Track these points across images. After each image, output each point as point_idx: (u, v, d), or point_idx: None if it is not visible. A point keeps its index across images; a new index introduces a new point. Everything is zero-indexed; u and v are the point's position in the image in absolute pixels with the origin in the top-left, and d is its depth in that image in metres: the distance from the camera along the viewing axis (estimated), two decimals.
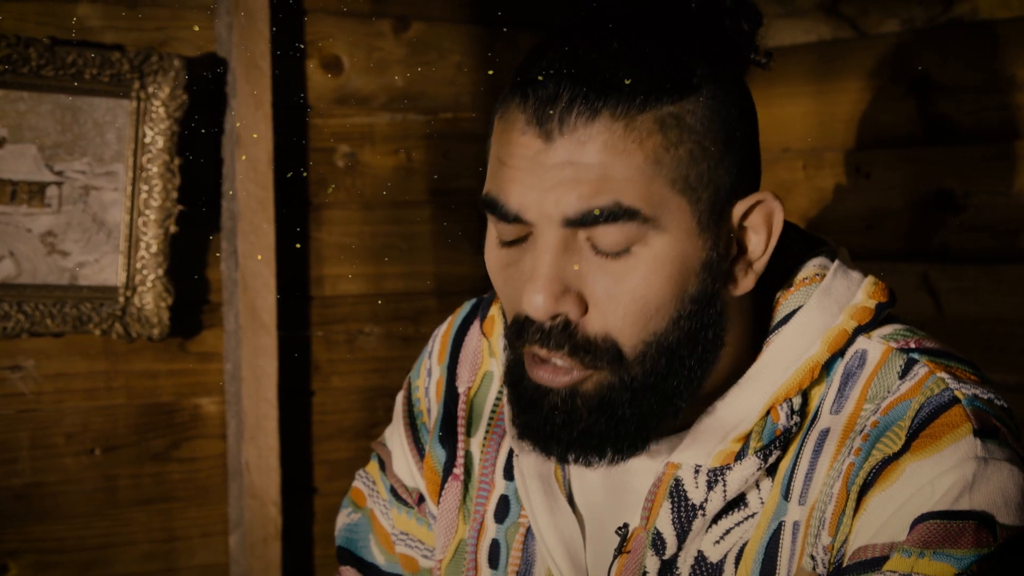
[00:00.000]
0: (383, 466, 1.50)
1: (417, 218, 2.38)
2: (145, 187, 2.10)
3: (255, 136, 2.18)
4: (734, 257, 1.20)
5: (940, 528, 1.09)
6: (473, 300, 1.49)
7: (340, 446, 2.34)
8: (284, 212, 2.24)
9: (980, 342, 2.07)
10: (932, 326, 2.10)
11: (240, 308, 2.18)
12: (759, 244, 1.20)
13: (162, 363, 2.18)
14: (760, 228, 1.20)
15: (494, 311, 1.42)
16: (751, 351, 1.24)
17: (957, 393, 1.15)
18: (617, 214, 1.13)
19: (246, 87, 2.17)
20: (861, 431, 1.16)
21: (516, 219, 1.17)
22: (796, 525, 1.17)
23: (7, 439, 2.08)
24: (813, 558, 1.16)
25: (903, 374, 1.18)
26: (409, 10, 2.35)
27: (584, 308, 1.16)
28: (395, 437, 1.49)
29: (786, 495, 1.18)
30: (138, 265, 2.10)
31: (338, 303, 2.33)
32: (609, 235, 1.14)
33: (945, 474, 1.10)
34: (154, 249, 2.10)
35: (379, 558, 1.50)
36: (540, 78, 1.15)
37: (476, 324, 1.45)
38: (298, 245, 2.29)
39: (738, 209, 1.19)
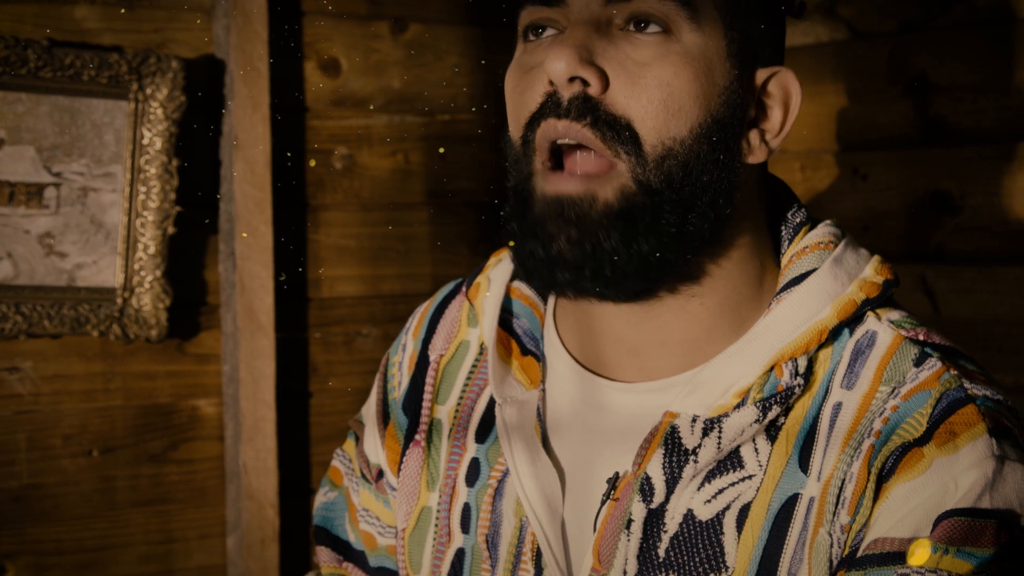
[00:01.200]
0: (358, 443, 1.49)
1: (414, 220, 2.38)
2: (143, 188, 2.10)
3: (253, 138, 2.18)
4: (752, 120, 1.20)
5: (964, 526, 1.10)
6: (457, 280, 1.49)
7: (338, 448, 2.33)
8: (281, 214, 2.24)
9: (977, 343, 2.07)
10: None
11: (238, 310, 2.18)
12: (776, 118, 1.21)
13: (160, 365, 2.18)
14: (778, 102, 1.21)
15: (480, 279, 1.40)
16: (759, 304, 1.24)
17: (971, 392, 1.16)
18: None
19: (244, 89, 2.17)
20: (881, 413, 1.16)
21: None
22: (812, 500, 1.17)
23: (5, 440, 2.08)
24: (830, 535, 1.16)
25: (918, 363, 1.19)
26: (407, 12, 2.35)
27: (606, 86, 1.15)
28: (368, 413, 1.48)
29: (804, 468, 1.18)
30: (136, 266, 2.10)
31: (336, 305, 2.33)
32: (646, 8, 1.14)
33: (967, 471, 1.12)
34: (152, 251, 2.10)
35: (351, 535, 1.49)
36: None
37: (460, 295, 1.44)
38: (292, 247, 2.29)
39: (761, 74, 1.20)
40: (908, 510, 1.12)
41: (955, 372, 1.17)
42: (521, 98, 1.20)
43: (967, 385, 1.17)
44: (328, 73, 2.30)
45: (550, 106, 1.15)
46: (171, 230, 2.11)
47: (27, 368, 2.09)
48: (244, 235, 2.17)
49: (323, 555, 1.50)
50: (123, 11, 2.11)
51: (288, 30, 2.25)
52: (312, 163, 2.28)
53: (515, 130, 1.21)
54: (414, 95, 2.36)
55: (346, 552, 1.49)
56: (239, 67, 2.17)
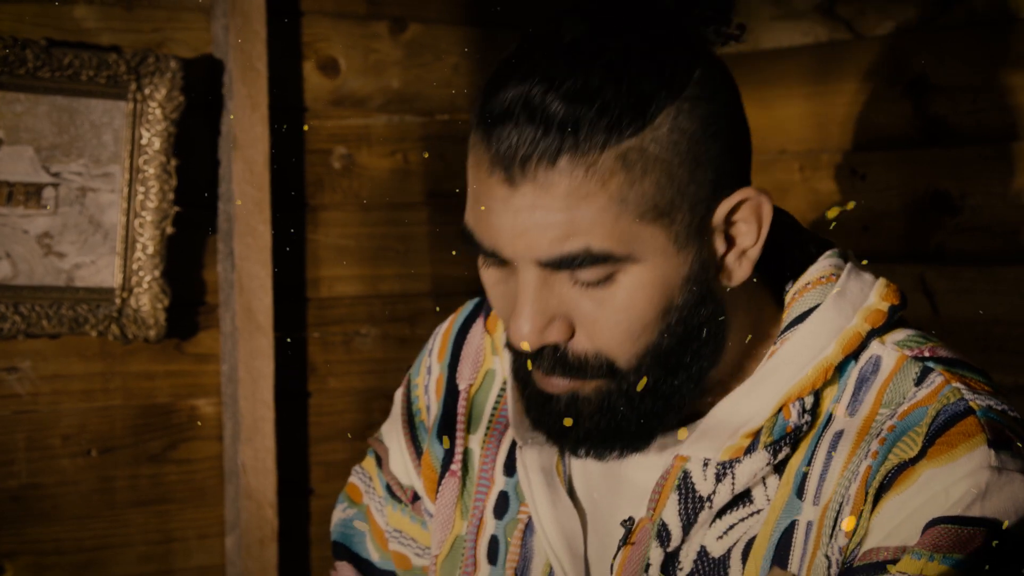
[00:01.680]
0: (380, 463, 1.50)
1: (414, 220, 2.38)
2: (142, 188, 2.10)
3: (251, 138, 2.18)
4: (724, 252, 1.19)
5: (951, 533, 1.09)
6: (476, 299, 1.49)
7: (337, 447, 2.34)
8: (280, 214, 2.24)
9: (976, 343, 2.07)
10: (928, 327, 2.10)
11: (236, 310, 2.18)
12: (750, 235, 1.20)
13: (159, 364, 2.18)
14: (750, 220, 1.19)
15: None
16: (763, 342, 1.25)
17: (972, 404, 1.15)
18: (588, 259, 1.13)
19: (242, 89, 2.17)
20: (878, 435, 1.16)
21: (494, 254, 1.17)
22: (810, 525, 1.18)
23: (3, 440, 2.08)
24: (828, 558, 1.16)
25: (919, 381, 1.19)
26: (406, 12, 2.35)
27: (571, 331, 1.17)
28: (392, 434, 1.50)
29: (800, 494, 1.19)
30: (135, 267, 2.10)
31: (334, 305, 2.33)
32: (586, 273, 1.14)
33: (959, 482, 1.11)
34: (151, 251, 2.10)
35: (373, 555, 1.51)
36: (498, 120, 1.14)
37: (479, 322, 1.45)
38: (288, 248, 2.29)
39: (722, 209, 1.18)
40: (899, 521, 1.12)
41: (957, 384, 1.17)
42: (500, 302, 1.22)
43: (969, 396, 1.16)
44: (327, 73, 2.30)
45: (526, 355, 1.19)
46: (170, 230, 2.11)
47: (26, 368, 2.09)
48: (247, 238, 2.18)
49: (344, 571, 1.52)
50: (121, 12, 2.11)
51: (287, 30, 2.25)
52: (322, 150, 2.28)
53: (501, 318, 1.24)
54: (413, 95, 2.36)
55: (368, 570, 1.51)
56: (238, 67, 2.16)
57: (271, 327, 2.20)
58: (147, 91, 2.07)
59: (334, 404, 2.33)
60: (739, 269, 1.21)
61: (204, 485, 2.23)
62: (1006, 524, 1.10)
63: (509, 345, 1.23)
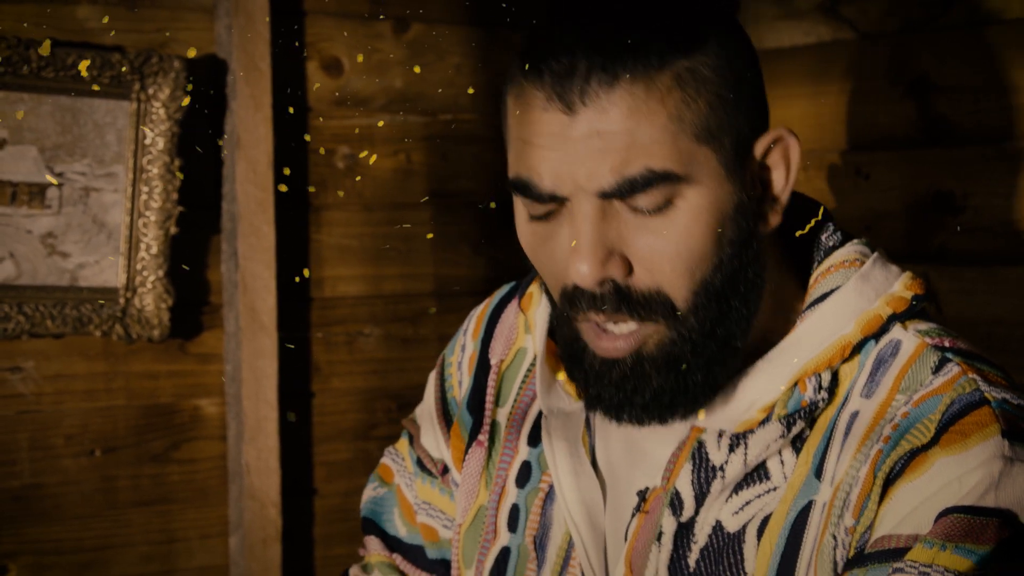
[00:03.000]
0: (412, 440, 1.53)
1: (416, 219, 2.38)
2: (145, 188, 2.10)
3: (255, 138, 2.18)
4: (760, 195, 1.23)
5: (964, 523, 1.10)
6: (511, 283, 1.52)
7: (340, 447, 2.34)
8: (284, 214, 2.24)
9: (979, 343, 2.06)
10: None
11: (240, 310, 2.18)
12: (780, 178, 1.23)
13: (162, 364, 2.18)
14: (779, 164, 1.23)
15: (532, 288, 1.44)
16: (786, 323, 1.26)
17: (987, 395, 1.16)
18: (651, 180, 1.15)
19: (246, 89, 2.17)
20: (891, 420, 1.17)
21: (551, 197, 1.18)
22: (824, 505, 1.18)
23: (6, 440, 2.08)
24: (835, 538, 1.17)
25: (936, 370, 1.19)
26: (409, 12, 2.35)
27: (629, 268, 1.19)
28: (425, 412, 1.53)
29: (818, 474, 1.20)
30: (138, 266, 2.10)
31: (338, 304, 2.33)
32: (645, 198, 1.16)
33: (973, 471, 1.11)
34: (154, 250, 2.10)
35: (401, 530, 1.53)
36: (552, 53, 1.16)
37: (514, 301, 1.48)
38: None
39: (758, 148, 1.21)
40: (911, 508, 1.12)
41: (973, 376, 1.18)
42: (546, 268, 1.24)
43: (984, 388, 1.17)
44: (330, 73, 2.30)
45: (585, 297, 1.20)
46: (173, 230, 2.11)
47: (29, 368, 2.09)
48: (250, 237, 2.18)
49: (372, 544, 1.54)
50: (125, 12, 2.11)
51: (290, 30, 2.25)
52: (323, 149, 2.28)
53: (548, 286, 1.26)
54: (416, 95, 2.36)
55: (395, 545, 1.53)
56: (241, 67, 2.16)
57: (275, 327, 2.20)
58: (151, 91, 2.08)
59: (337, 404, 2.34)
60: (772, 215, 1.24)
61: (207, 485, 2.23)
62: (1019, 515, 1.11)
63: (561, 304, 1.23)
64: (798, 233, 1.31)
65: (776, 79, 2.35)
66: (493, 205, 2.36)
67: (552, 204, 1.20)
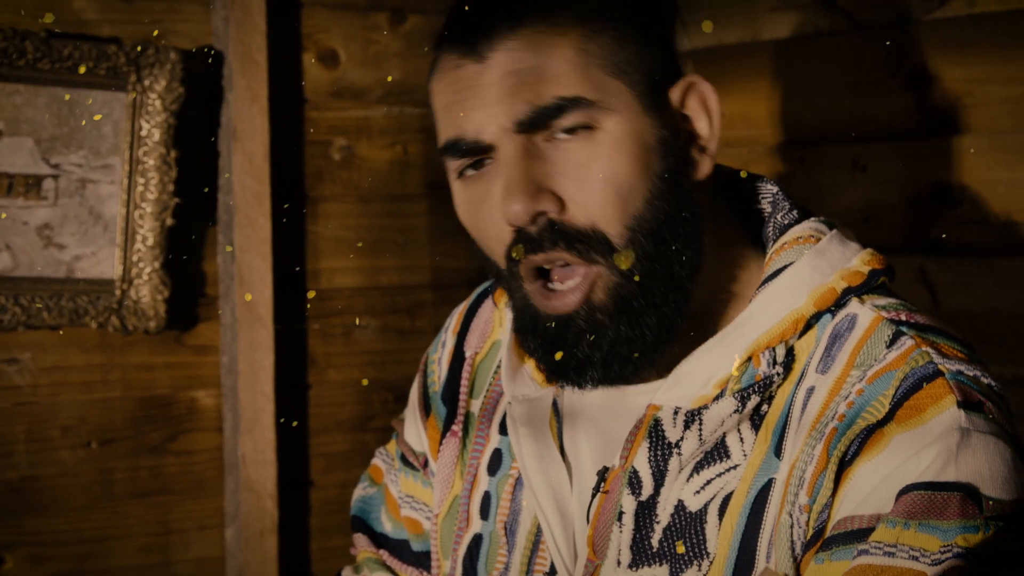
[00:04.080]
0: (397, 438, 1.55)
1: (413, 211, 2.38)
2: (141, 180, 2.09)
3: (251, 129, 2.18)
4: (685, 143, 1.25)
5: (925, 499, 1.09)
6: (490, 281, 1.52)
7: (336, 439, 2.34)
8: (280, 205, 2.24)
9: (976, 335, 2.06)
10: None
11: (236, 301, 2.18)
12: (704, 126, 1.26)
13: (158, 356, 2.18)
14: (699, 112, 1.26)
15: None
16: (740, 303, 1.27)
17: (941, 367, 1.15)
18: (562, 106, 1.19)
19: (242, 80, 2.17)
20: (846, 397, 1.17)
21: (476, 144, 1.22)
22: (782, 483, 1.18)
23: (3, 432, 2.08)
24: (791, 516, 1.16)
25: (890, 344, 1.19)
26: (405, 3, 2.35)
27: (561, 205, 1.21)
28: (409, 409, 1.54)
29: (778, 452, 1.19)
30: (134, 258, 2.10)
31: (334, 296, 2.33)
32: (561, 125, 1.20)
33: (930, 446, 1.11)
34: (150, 242, 2.10)
35: (387, 526, 1.54)
36: (462, 16, 1.23)
37: (490, 296, 1.49)
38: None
39: (674, 94, 1.25)
40: (871, 488, 1.12)
41: (926, 348, 1.17)
42: (486, 233, 1.26)
43: (938, 360, 1.16)
44: (327, 64, 2.30)
45: (523, 240, 1.22)
46: (169, 222, 2.11)
47: (26, 360, 2.09)
48: (247, 228, 2.18)
49: (360, 541, 1.56)
50: (121, 3, 2.11)
51: (286, 22, 2.25)
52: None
53: (492, 256, 1.27)
54: (413, 86, 2.36)
55: (382, 541, 1.54)
56: (237, 58, 2.16)
57: (271, 319, 2.20)
58: (147, 82, 2.07)
59: (334, 396, 2.34)
60: (703, 162, 1.26)
61: (204, 477, 2.23)
62: (980, 487, 1.10)
63: (506, 260, 1.24)
64: (746, 202, 1.33)
65: (773, 71, 2.34)
66: None
67: (480, 155, 1.23)
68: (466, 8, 1.24)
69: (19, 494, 2.10)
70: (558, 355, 1.23)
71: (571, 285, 1.21)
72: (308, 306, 2.31)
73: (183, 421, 2.21)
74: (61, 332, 2.10)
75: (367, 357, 2.35)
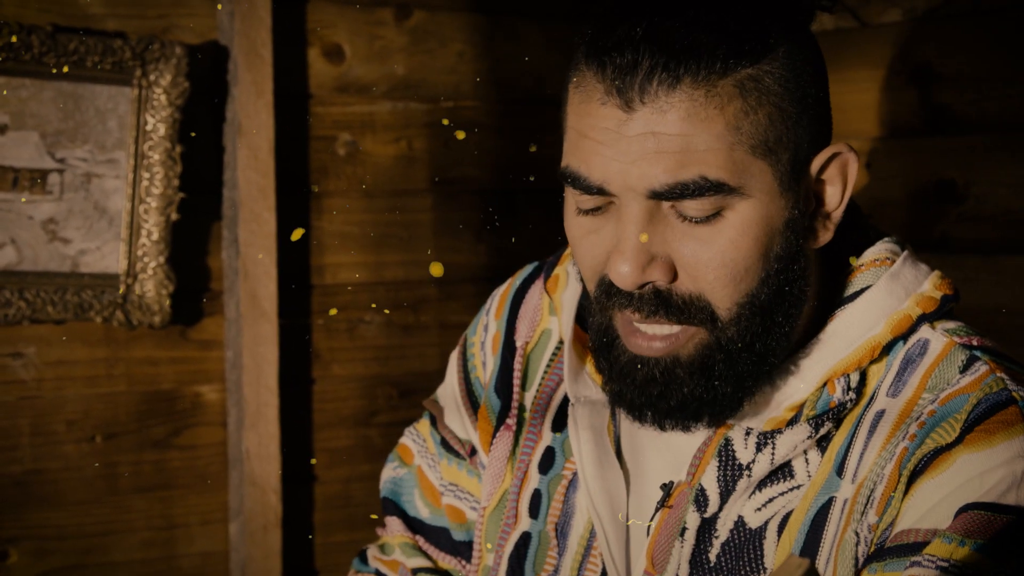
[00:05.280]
0: (434, 422, 1.52)
1: (418, 206, 2.38)
2: (147, 175, 2.09)
3: (256, 124, 2.18)
4: (813, 210, 1.21)
5: (983, 519, 1.09)
6: (535, 263, 1.51)
7: (340, 434, 2.34)
8: (285, 200, 2.24)
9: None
10: None
11: (241, 296, 2.18)
12: (835, 195, 1.21)
13: (163, 351, 2.18)
14: (836, 180, 1.21)
15: (559, 271, 1.43)
16: (817, 320, 1.25)
17: (1015, 394, 1.15)
18: (703, 188, 1.13)
19: (247, 75, 2.17)
20: (918, 418, 1.17)
21: (600, 191, 1.17)
22: (845, 502, 1.18)
23: (8, 426, 2.08)
24: (857, 534, 1.16)
25: (964, 369, 1.19)
26: None
27: (673, 273, 1.17)
28: (448, 393, 1.51)
29: (840, 471, 1.19)
30: (139, 253, 2.10)
31: (339, 291, 2.33)
32: (695, 205, 1.15)
33: (995, 469, 1.11)
34: (155, 237, 2.10)
35: (423, 511, 1.51)
36: (617, 47, 1.14)
37: (538, 283, 1.46)
38: (296, 235, 2.29)
39: (815, 163, 1.19)
40: (932, 504, 1.12)
41: (1001, 375, 1.17)
42: (586, 257, 1.22)
43: (1012, 387, 1.16)
44: (332, 60, 2.30)
45: (623, 296, 1.18)
46: (174, 216, 2.11)
47: (31, 354, 2.09)
48: (251, 224, 2.18)
49: (394, 525, 1.52)
50: None
51: (292, 16, 2.25)
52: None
53: (584, 274, 1.24)
54: (418, 82, 2.36)
55: (417, 526, 1.51)
56: (243, 53, 2.16)
57: (275, 314, 2.20)
58: (152, 77, 2.07)
59: (338, 391, 2.34)
60: (824, 232, 1.22)
61: (208, 471, 2.23)
62: None
63: (596, 294, 1.22)
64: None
65: None
66: (533, 148, 2.32)
67: (600, 199, 1.18)
68: (625, 32, 1.14)
69: (23, 488, 2.10)
70: (626, 387, 1.21)
71: (662, 332, 1.19)
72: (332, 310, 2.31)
73: (187, 416, 2.21)
74: (66, 326, 2.10)
75: (371, 352, 2.35)
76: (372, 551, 1.53)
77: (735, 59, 1.13)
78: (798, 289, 1.20)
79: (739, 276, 1.16)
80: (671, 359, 1.19)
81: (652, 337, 1.19)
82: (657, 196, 1.14)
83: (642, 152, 1.13)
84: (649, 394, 1.20)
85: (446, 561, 1.49)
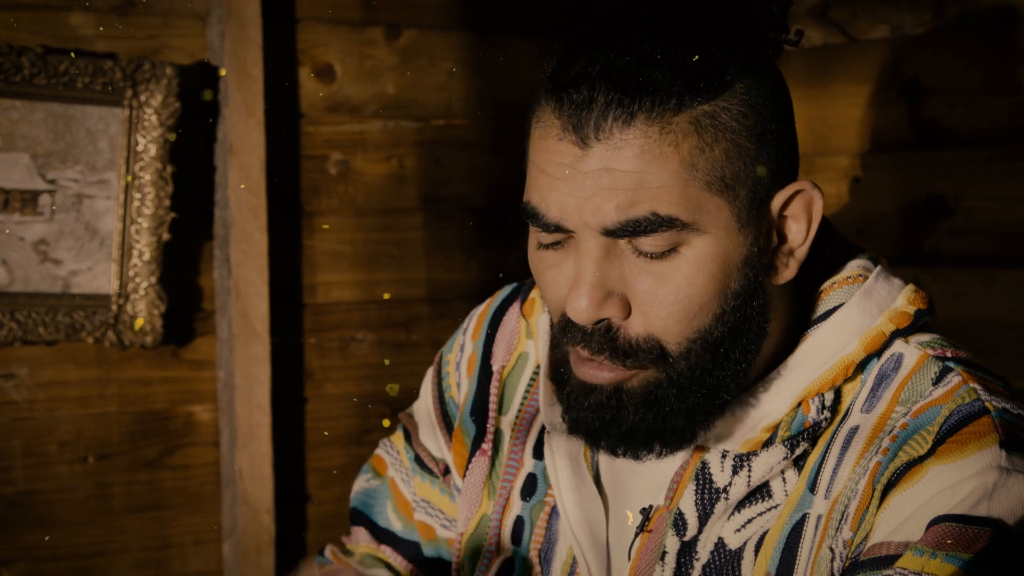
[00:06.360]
0: (408, 437, 1.52)
1: (409, 225, 2.38)
2: (138, 195, 2.10)
3: (247, 144, 2.18)
4: (775, 247, 1.20)
5: (955, 531, 1.09)
6: (513, 284, 1.51)
7: (333, 453, 2.34)
8: (276, 220, 2.24)
9: (971, 346, 2.06)
10: None
11: (233, 316, 2.18)
12: (799, 233, 1.21)
13: (155, 371, 2.18)
14: (800, 217, 1.20)
15: (535, 294, 1.44)
16: (790, 341, 1.25)
17: (988, 404, 1.15)
18: (655, 224, 1.13)
19: (238, 95, 2.17)
20: (890, 432, 1.16)
21: (557, 228, 1.17)
22: (819, 518, 1.18)
23: (0, 447, 2.08)
24: (832, 550, 1.16)
25: (937, 380, 1.19)
26: (400, 18, 2.36)
27: (628, 310, 1.17)
28: (423, 410, 1.52)
29: (812, 488, 1.19)
30: (131, 273, 2.10)
31: (330, 310, 2.33)
32: (649, 241, 1.15)
33: (967, 480, 1.11)
34: (147, 257, 2.11)
35: (396, 524, 1.52)
36: (574, 84, 1.14)
37: (516, 305, 1.46)
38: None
39: (777, 200, 1.19)
40: (904, 517, 1.12)
41: (974, 385, 1.17)
42: (547, 289, 1.22)
43: (985, 397, 1.16)
44: (322, 79, 2.30)
45: (577, 331, 1.18)
46: (166, 236, 2.11)
47: (22, 375, 2.09)
48: (242, 244, 2.18)
49: (360, 535, 1.53)
50: (117, 19, 2.11)
51: (282, 36, 2.26)
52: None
53: (551, 310, 1.24)
54: (408, 100, 2.37)
55: (386, 537, 1.52)
56: (233, 73, 2.17)
57: (267, 333, 2.20)
58: (143, 98, 2.08)
59: (331, 410, 2.34)
60: (786, 269, 1.22)
61: (201, 491, 2.23)
62: (1012, 526, 1.09)
63: (554, 330, 1.22)
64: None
65: None
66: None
67: (559, 235, 1.18)
68: (583, 69, 1.15)
69: (16, 509, 2.10)
70: (581, 414, 1.21)
71: (608, 363, 1.19)
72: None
73: (180, 436, 2.21)
74: (58, 347, 2.10)
75: (363, 371, 2.35)
76: (330, 548, 1.53)
77: (690, 96, 1.13)
78: (756, 325, 1.20)
79: (693, 312, 1.16)
80: (615, 389, 1.19)
81: (599, 366, 1.19)
82: (610, 233, 1.14)
83: (596, 188, 1.14)
84: (602, 419, 1.19)
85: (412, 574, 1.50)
